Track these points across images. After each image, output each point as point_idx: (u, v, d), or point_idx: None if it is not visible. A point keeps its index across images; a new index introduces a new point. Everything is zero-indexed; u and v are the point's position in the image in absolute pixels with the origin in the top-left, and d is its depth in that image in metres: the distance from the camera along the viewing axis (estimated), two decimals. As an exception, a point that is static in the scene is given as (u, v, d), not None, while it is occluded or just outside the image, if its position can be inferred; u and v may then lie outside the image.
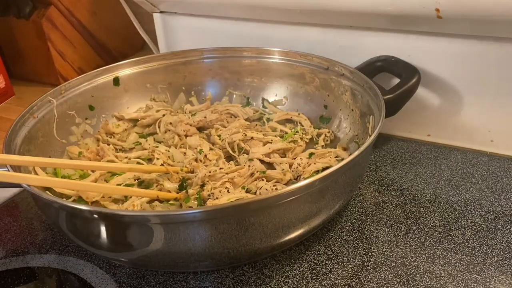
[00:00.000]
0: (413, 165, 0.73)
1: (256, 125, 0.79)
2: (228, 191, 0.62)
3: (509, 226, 0.60)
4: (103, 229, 0.51)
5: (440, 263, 0.55)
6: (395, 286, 0.53)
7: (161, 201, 0.63)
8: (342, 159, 0.63)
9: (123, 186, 0.65)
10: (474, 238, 0.58)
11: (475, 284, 0.52)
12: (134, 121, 0.82)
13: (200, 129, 0.80)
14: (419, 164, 0.73)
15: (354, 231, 0.61)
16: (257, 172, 0.66)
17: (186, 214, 0.48)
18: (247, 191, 0.63)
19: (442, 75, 0.74)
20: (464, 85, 0.73)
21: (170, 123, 0.80)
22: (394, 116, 0.71)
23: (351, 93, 0.72)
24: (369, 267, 0.55)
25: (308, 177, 0.62)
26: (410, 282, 0.53)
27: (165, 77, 0.85)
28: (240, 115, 0.81)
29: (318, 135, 0.75)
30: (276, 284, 0.54)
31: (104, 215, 0.49)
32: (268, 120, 0.80)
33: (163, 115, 0.82)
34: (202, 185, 0.64)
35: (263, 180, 0.65)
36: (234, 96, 0.86)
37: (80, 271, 0.57)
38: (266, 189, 0.62)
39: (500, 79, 0.70)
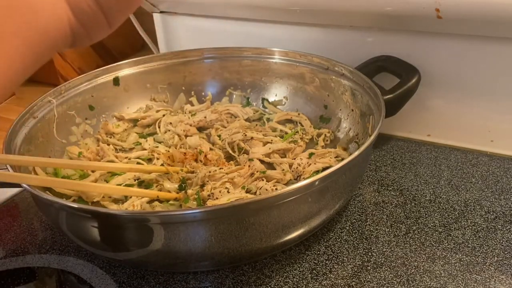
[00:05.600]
0: (413, 165, 0.73)
1: (256, 125, 0.79)
2: (228, 191, 0.62)
3: (509, 226, 0.60)
4: (103, 229, 0.51)
5: (440, 263, 0.55)
6: (395, 286, 0.53)
7: (161, 201, 0.63)
8: (342, 159, 0.63)
9: (123, 186, 0.65)
10: (474, 238, 0.58)
11: (475, 284, 0.52)
12: (134, 121, 0.82)
13: (200, 129, 0.80)
14: (419, 164, 0.73)
15: (354, 231, 0.61)
16: (257, 172, 0.66)
17: (186, 214, 0.48)
18: (247, 191, 0.63)
19: (442, 75, 0.74)
20: (464, 85, 0.73)
21: (170, 123, 0.80)
22: (394, 116, 0.71)
23: (351, 93, 0.72)
24: (369, 267, 0.55)
25: (308, 177, 0.62)
26: (410, 282, 0.53)
27: (165, 77, 0.85)
28: (240, 115, 0.81)
29: (318, 135, 0.75)
30: (276, 284, 0.54)
31: (104, 215, 0.49)
32: (268, 120, 0.80)
33: (163, 115, 0.82)
34: (202, 185, 0.64)
35: (263, 180, 0.65)
36: (234, 96, 0.86)
37: (80, 271, 0.57)
38: (266, 189, 0.62)
39: (500, 79, 0.70)
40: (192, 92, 0.87)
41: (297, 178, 0.66)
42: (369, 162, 0.73)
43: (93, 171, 0.68)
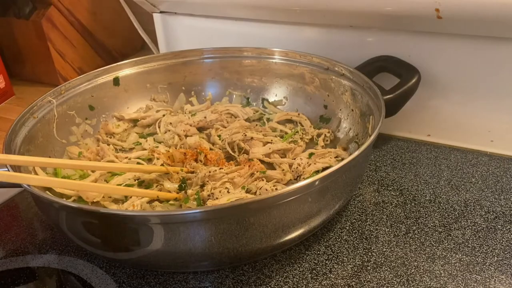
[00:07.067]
0: (413, 165, 0.73)
1: (256, 125, 0.78)
2: (228, 191, 0.62)
3: (509, 226, 0.60)
4: (103, 230, 0.51)
5: (440, 263, 0.55)
6: (395, 286, 0.53)
7: (161, 201, 0.63)
8: (342, 159, 0.63)
9: (123, 186, 0.65)
10: (474, 238, 0.58)
11: (475, 284, 0.52)
12: (134, 121, 0.82)
13: (200, 129, 0.80)
14: (419, 164, 0.73)
15: (354, 231, 0.61)
16: (257, 172, 0.66)
17: (186, 214, 0.48)
18: (247, 191, 0.63)
19: (442, 75, 0.74)
20: (464, 85, 0.73)
21: (170, 123, 0.80)
22: (394, 116, 0.71)
23: (351, 93, 0.72)
24: (369, 267, 0.55)
25: (308, 177, 0.62)
26: (410, 282, 0.53)
27: (165, 77, 0.85)
28: (240, 115, 0.81)
29: (318, 135, 0.75)
30: (276, 284, 0.54)
31: (104, 215, 0.49)
32: (268, 120, 0.80)
33: (163, 115, 0.82)
34: (202, 185, 0.64)
35: (263, 180, 0.65)
36: (234, 96, 0.86)
37: (80, 271, 0.57)
38: (266, 189, 0.62)
39: (500, 79, 0.70)
40: (192, 92, 0.87)
41: (297, 178, 0.66)
42: (369, 162, 0.73)
43: (93, 171, 0.68)
